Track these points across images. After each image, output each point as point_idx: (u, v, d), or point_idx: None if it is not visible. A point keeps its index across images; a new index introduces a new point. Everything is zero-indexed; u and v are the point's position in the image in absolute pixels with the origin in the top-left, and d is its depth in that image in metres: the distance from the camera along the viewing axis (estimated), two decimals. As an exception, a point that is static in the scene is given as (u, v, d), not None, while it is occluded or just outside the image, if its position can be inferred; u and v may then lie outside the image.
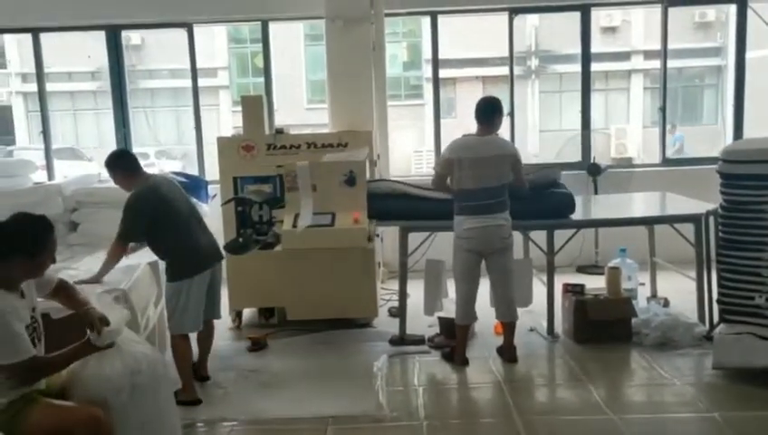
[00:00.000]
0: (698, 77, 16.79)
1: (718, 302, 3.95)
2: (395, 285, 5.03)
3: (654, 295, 5.20)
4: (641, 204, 5.66)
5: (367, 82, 5.73)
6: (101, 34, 6.77)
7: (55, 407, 2.59)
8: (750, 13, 6.51)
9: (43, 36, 6.81)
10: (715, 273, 4.01)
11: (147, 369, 2.78)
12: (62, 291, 2.93)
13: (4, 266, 2.60)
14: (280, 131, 5.10)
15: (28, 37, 6.80)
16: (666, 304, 4.92)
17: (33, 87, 7.15)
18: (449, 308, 4.46)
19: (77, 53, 13.58)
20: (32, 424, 2.53)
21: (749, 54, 6.71)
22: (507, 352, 4.26)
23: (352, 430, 3.44)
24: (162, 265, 4.11)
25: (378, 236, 5.12)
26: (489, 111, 4.13)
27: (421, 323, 4.73)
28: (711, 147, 9.11)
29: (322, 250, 4.53)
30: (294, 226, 4.39)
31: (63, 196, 5.47)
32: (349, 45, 5.67)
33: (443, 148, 6.85)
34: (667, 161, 6.84)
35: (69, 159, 12.88)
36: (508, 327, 4.29)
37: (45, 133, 7.03)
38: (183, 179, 5.03)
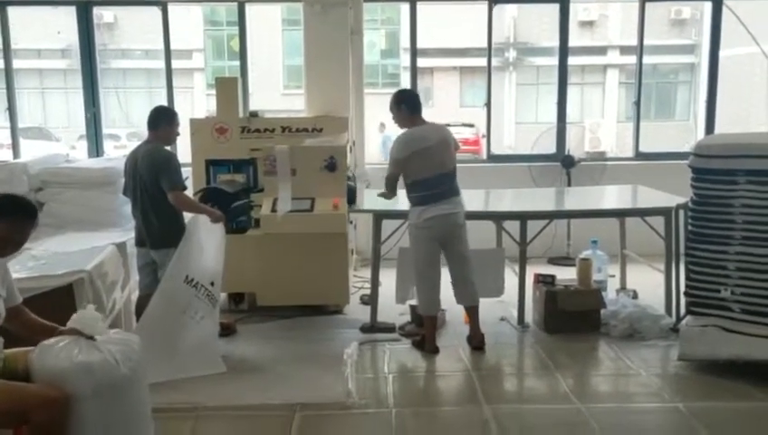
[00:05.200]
0: (672, 73, 17.02)
1: (685, 294, 4.00)
2: (367, 274, 5.01)
3: (623, 287, 5.26)
4: (613, 196, 5.72)
5: (344, 68, 5.66)
6: (72, 10, 6.58)
7: (10, 387, 2.49)
8: (724, 11, 6.58)
9: (11, 10, 6.58)
10: (684, 266, 4.06)
11: (126, 362, 2.65)
12: (23, 315, 2.77)
13: None
14: (254, 114, 5.02)
15: (-5, 11, 6.58)
16: (634, 296, 4.97)
17: (0, 63, 6.93)
18: (421, 297, 4.45)
19: (46, 30, 13.24)
20: None
21: (722, 52, 6.80)
22: (475, 339, 4.26)
23: (320, 416, 3.42)
24: (130, 246, 4.05)
25: (351, 222, 5.09)
26: (419, 100, 4.26)
27: (392, 311, 4.72)
28: (683, 142, 9.27)
29: (294, 235, 4.48)
30: (273, 210, 4.33)
31: (29, 175, 5.29)
32: (327, 30, 5.60)
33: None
34: (639, 155, 6.91)
35: (36, 139, 12.60)
36: (471, 311, 4.29)
37: (11, 111, 6.83)
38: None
